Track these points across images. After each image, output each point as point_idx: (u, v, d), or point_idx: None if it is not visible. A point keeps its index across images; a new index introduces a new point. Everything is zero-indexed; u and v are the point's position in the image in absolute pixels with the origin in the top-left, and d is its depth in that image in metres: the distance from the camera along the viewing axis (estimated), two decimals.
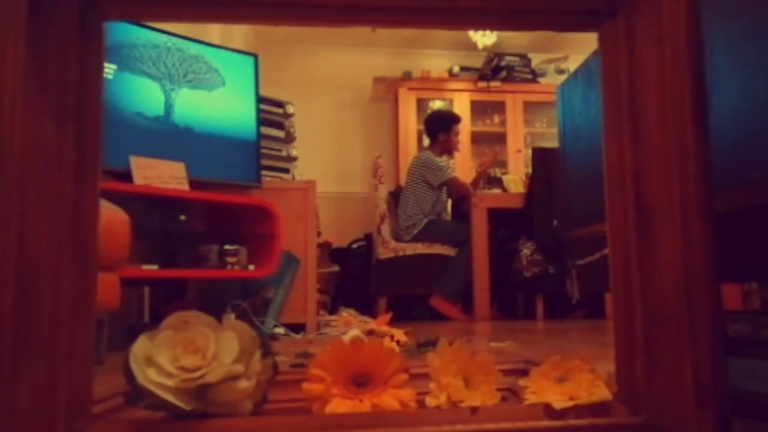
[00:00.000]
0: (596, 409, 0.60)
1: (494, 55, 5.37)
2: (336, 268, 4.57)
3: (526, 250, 3.82)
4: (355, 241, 4.67)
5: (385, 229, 4.00)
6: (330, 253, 4.55)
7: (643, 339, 0.60)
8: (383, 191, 4.06)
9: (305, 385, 0.62)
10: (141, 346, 0.58)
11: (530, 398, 0.62)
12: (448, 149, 4.24)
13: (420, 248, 3.96)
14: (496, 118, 5.44)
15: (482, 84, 5.29)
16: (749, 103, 0.66)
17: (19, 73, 0.55)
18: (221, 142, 2.75)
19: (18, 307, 0.53)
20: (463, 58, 5.53)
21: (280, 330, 2.71)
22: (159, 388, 0.56)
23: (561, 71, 5.35)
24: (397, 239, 4.02)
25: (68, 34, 0.59)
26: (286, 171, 3.22)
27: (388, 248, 3.96)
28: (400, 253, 3.95)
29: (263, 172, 2.95)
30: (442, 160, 4.19)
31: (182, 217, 2.55)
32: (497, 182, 4.86)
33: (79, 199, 0.59)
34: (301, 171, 3.45)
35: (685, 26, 0.59)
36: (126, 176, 2.34)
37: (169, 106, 2.60)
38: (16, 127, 0.54)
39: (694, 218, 0.58)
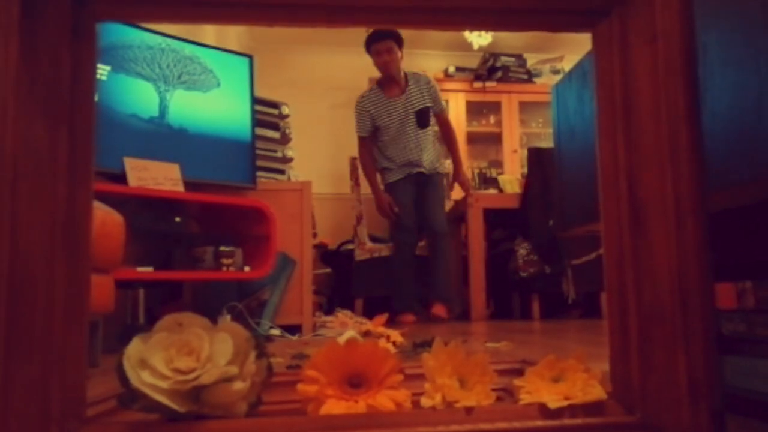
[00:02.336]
0: (591, 408, 0.60)
1: (490, 55, 5.38)
2: (329, 269, 4.57)
3: (522, 250, 3.83)
4: (344, 242, 4.67)
5: (362, 230, 4.00)
6: (321, 255, 4.54)
7: (637, 338, 0.60)
8: (359, 193, 4.06)
9: (300, 386, 0.62)
10: (135, 348, 0.58)
11: (525, 398, 0.62)
12: (381, 71, 3.77)
13: None
14: (492, 119, 5.45)
15: (478, 84, 5.29)
16: (742, 101, 0.67)
17: (11, 74, 0.54)
18: (216, 143, 2.74)
19: (11, 309, 0.53)
20: (458, 58, 5.54)
21: (276, 331, 2.70)
22: (153, 390, 0.56)
23: (556, 71, 5.36)
24: None
25: (61, 35, 0.58)
26: (282, 172, 3.22)
27: (364, 249, 3.96)
28: (376, 255, 3.94)
29: (258, 173, 2.95)
30: (367, 99, 3.78)
31: (177, 219, 2.54)
32: (493, 182, 4.86)
33: (72, 201, 0.58)
34: (296, 172, 3.45)
35: (678, 25, 0.59)
36: (121, 178, 2.33)
37: (163, 108, 2.59)
38: (9, 128, 0.54)
39: (688, 217, 0.58)
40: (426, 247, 3.88)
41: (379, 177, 3.88)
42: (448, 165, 4.19)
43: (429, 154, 3.85)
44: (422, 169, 3.81)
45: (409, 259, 3.75)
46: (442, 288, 3.70)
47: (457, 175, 3.96)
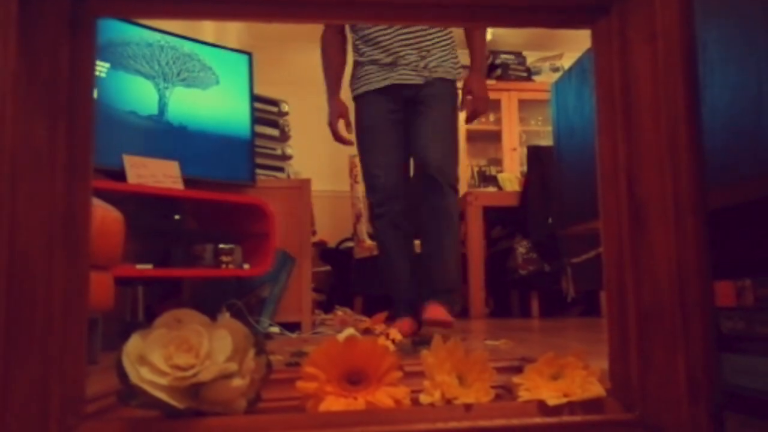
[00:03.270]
0: (590, 405, 0.60)
1: (489, 52, 5.37)
2: (329, 267, 4.57)
3: (522, 248, 3.83)
4: (344, 240, 4.66)
5: (361, 228, 3.99)
6: (321, 253, 4.54)
7: (636, 336, 0.60)
8: (359, 190, 4.04)
9: (299, 383, 0.62)
10: (134, 344, 0.58)
11: (524, 395, 0.62)
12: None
13: None
14: (492, 116, 5.44)
15: None
16: (742, 99, 0.67)
17: (9, 71, 0.54)
18: (215, 140, 2.74)
19: (10, 306, 0.53)
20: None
21: (275, 329, 2.70)
22: (152, 387, 0.56)
23: (556, 69, 5.36)
24: None
25: (59, 31, 0.58)
26: (281, 170, 3.22)
27: (363, 247, 3.95)
28: (375, 252, 3.91)
29: (258, 171, 2.95)
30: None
31: (176, 216, 2.54)
32: (492, 180, 4.86)
33: (71, 198, 0.58)
34: (295, 169, 3.45)
35: (678, 23, 0.59)
36: (120, 175, 2.33)
37: (162, 105, 2.59)
38: (7, 124, 0.54)
39: (687, 215, 0.58)
40: (419, 215, 2.38)
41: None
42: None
43: (434, 53, 2.35)
44: (412, 76, 2.33)
45: (397, 247, 2.36)
46: (440, 277, 2.27)
47: (470, 82, 2.37)
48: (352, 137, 2.50)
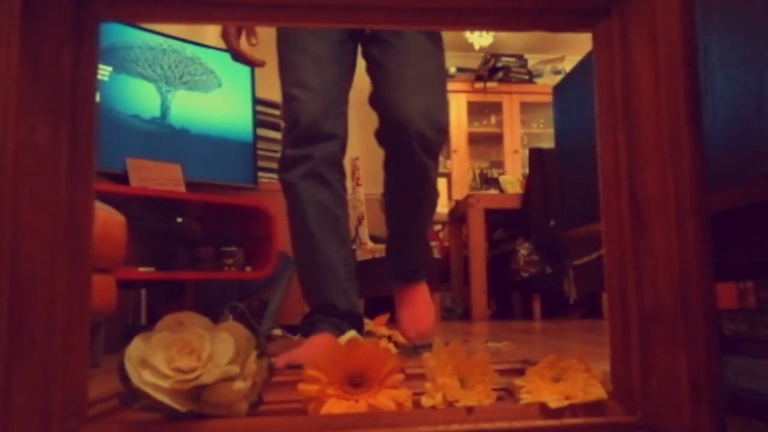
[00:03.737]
0: (592, 408, 0.60)
1: (491, 55, 5.38)
2: None
3: (524, 250, 3.83)
4: None
5: (363, 230, 3.98)
6: None
7: (638, 338, 0.60)
8: (361, 193, 4.04)
9: (301, 386, 0.62)
10: (136, 347, 0.58)
11: (526, 398, 0.62)
12: None
13: None
14: (493, 119, 5.45)
15: (479, 85, 5.29)
16: (744, 101, 0.67)
17: (12, 74, 0.54)
18: (218, 143, 2.74)
19: (13, 309, 0.53)
20: (459, 58, 5.53)
21: (278, 331, 2.70)
22: (154, 390, 0.56)
23: (558, 72, 5.36)
24: None
25: (62, 35, 0.59)
26: None
27: (365, 250, 3.95)
28: (377, 255, 3.92)
29: (260, 174, 2.95)
30: None
31: (179, 219, 2.54)
32: (494, 183, 4.86)
33: (74, 201, 0.58)
34: None
35: (679, 25, 0.59)
36: (122, 178, 2.33)
37: (165, 108, 2.59)
38: (10, 128, 0.54)
39: (689, 217, 0.58)
40: (386, 184, 1.77)
41: None
42: None
43: None
44: None
45: (323, 217, 1.58)
46: (416, 254, 1.84)
47: None
48: (258, 54, 1.56)
